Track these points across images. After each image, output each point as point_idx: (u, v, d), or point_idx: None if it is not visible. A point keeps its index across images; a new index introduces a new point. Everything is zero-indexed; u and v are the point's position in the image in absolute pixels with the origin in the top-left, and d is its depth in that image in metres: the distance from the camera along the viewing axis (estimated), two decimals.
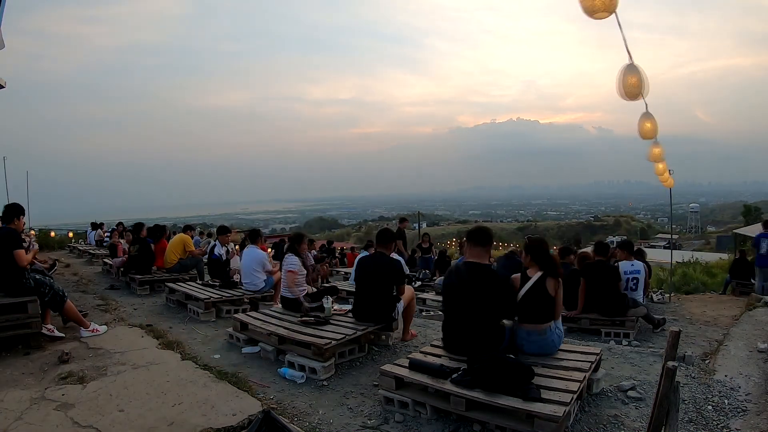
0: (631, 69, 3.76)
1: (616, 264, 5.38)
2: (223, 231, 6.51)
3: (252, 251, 5.59)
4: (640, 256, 6.47)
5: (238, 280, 5.89)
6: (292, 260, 4.51)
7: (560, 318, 3.11)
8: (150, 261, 6.75)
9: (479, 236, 3.05)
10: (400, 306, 3.86)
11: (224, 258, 6.15)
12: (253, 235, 5.95)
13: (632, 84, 3.76)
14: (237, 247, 7.91)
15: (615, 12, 3.10)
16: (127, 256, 6.99)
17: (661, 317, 5.64)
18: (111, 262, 7.61)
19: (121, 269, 6.89)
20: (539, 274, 2.99)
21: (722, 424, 2.57)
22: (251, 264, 5.48)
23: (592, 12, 3.07)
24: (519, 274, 3.11)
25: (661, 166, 7.38)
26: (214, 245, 6.31)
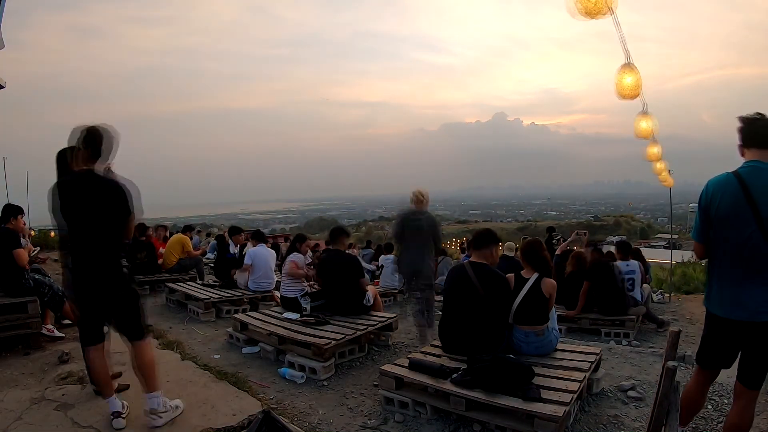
0: (627, 69, 3.76)
1: (613, 264, 5.39)
2: (236, 231, 6.53)
3: (266, 250, 5.69)
4: (634, 255, 6.46)
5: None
6: (297, 256, 4.72)
7: (556, 318, 3.13)
8: (155, 263, 6.81)
9: (485, 239, 3.11)
10: (370, 295, 4.11)
11: (238, 257, 6.18)
12: (259, 236, 6.04)
13: (629, 84, 3.77)
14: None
15: (614, 13, 3.10)
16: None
17: (662, 320, 5.64)
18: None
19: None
20: (535, 275, 3.01)
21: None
22: (269, 262, 5.58)
23: (590, 12, 3.07)
24: (513, 274, 3.12)
25: (659, 165, 7.35)
26: (228, 245, 6.34)
